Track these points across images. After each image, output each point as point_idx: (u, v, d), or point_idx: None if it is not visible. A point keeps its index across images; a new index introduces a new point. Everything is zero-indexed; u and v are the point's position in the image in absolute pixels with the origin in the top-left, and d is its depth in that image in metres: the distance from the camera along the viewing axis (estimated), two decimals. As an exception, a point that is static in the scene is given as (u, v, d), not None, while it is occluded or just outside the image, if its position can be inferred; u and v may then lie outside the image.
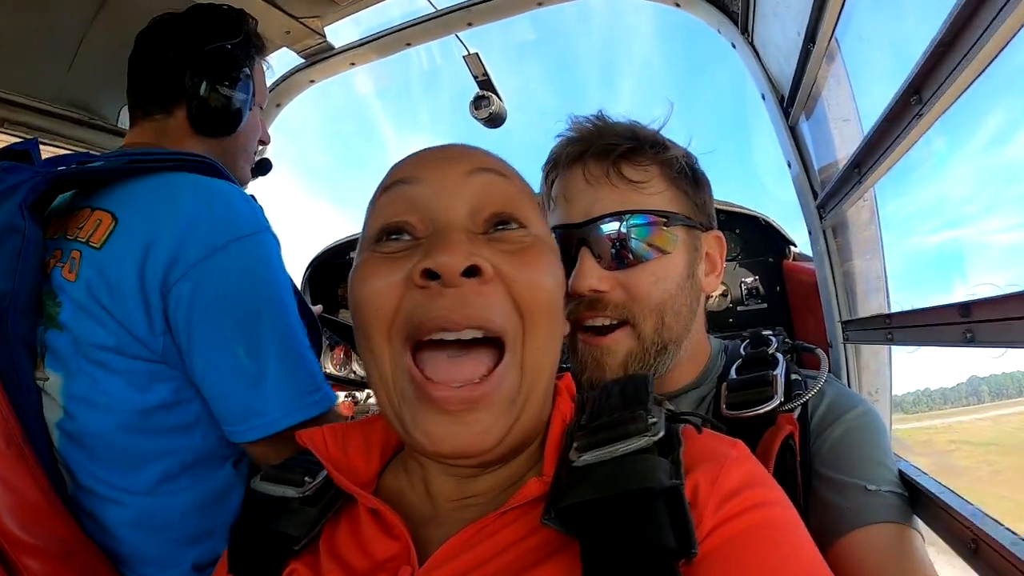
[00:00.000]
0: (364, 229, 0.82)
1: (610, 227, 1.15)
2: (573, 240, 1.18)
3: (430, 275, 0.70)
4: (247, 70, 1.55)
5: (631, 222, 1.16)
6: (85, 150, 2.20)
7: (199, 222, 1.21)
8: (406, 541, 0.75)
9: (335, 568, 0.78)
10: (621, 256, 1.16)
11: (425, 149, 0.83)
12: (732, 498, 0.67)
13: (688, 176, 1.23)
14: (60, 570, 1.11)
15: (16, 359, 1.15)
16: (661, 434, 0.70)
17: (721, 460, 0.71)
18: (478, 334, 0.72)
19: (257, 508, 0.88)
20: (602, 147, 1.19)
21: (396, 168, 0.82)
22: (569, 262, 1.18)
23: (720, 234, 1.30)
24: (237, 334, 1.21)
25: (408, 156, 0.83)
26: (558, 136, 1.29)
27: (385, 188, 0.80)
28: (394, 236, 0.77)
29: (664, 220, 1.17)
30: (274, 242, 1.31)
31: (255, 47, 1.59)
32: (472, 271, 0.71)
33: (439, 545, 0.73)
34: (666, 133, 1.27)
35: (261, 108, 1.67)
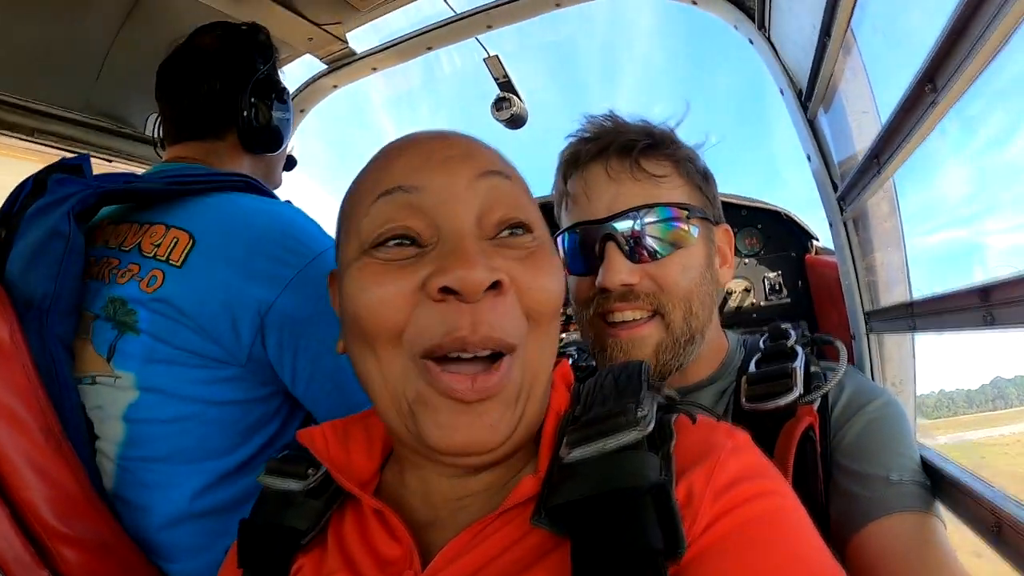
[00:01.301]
0: (353, 230, 0.77)
1: (635, 221, 1.18)
2: (598, 235, 1.20)
3: (449, 291, 0.68)
4: (286, 89, 1.65)
5: (655, 215, 1.18)
6: (113, 158, 2.27)
7: (280, 246, 1.28)
8: (408, 545, 0.74)
9: (342, 567, 0.78)
10: (647, 249, 1.18)
11: (421, 143, 0.78)
12: (728, 491, 0.66)
13: (699, 172, 1.27)
14: (96, 561, 1.14)
15: (55, 356, 1.20)
16: (651, 428, 0.69)
17: (716, 452, 0.70)
18: (489, 351, 0.70)
19: (263, 502, 0.89)
20: (623, 143, 1.21)
21: (391, 165, 0.77)
22: (592, 257, 1.21)
23: (728, 227, 1.33)
24: (334, 339, 1.28)
25: (403, 149, 0.78)
26: (570, 136, 1.31)
27: (383, 193, 0.74)
28: (394, 241, 0.73)
29: (686, 213, 1.20)
30: None
31: (278, 60, 1.68)
32: (492, 285, 0.69)
33: (440, 548, 0.73)
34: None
35: None
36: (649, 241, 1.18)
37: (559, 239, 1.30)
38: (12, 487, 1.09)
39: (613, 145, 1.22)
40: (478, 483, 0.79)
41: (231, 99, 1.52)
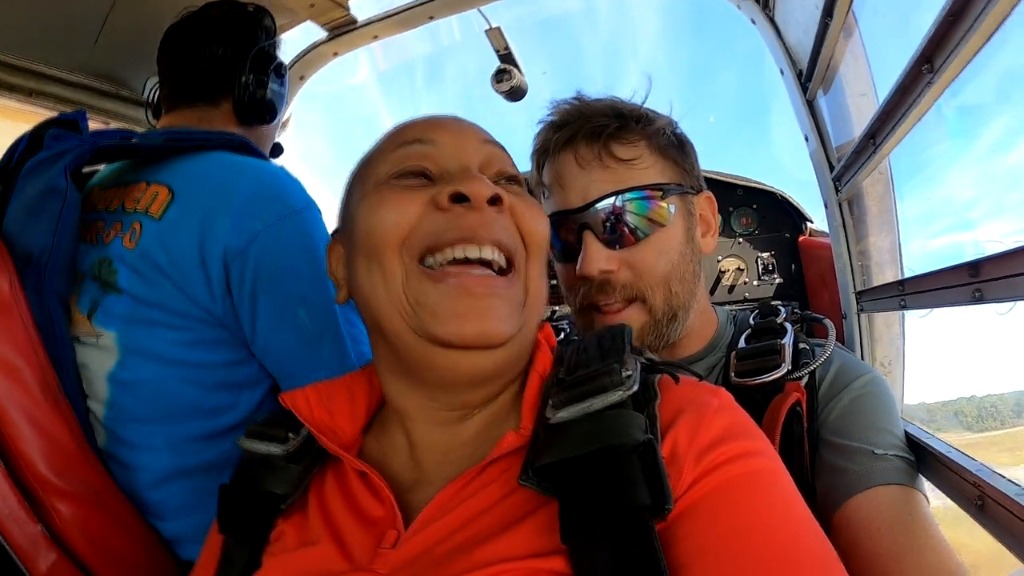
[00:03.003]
0: (370, 177, 0.86)
1: (609, 207, 1.17)
2: (575, 225, 1.21)
3: (458, 199, 0.77)
4: (284, 66, 1.69)
5: (629, 200, 1.18)
6: (111, 121, 2.26)
7: (255, 198, 1.28)
8: (391, 505, 0.76)
9: (324, 531, 0.79)
10: (624, 234, 1.18)
11: (435, 116, 0.90)
12: (713, 450, 0.68)
13: (675, 144, 1.25)
14: (89, 515, 1.16)
15: (52, 313, 1.21)
16: (636, 387, 0.72)
17: (702, 411, 0.72)
18: (495, 251, 0.77)
19: (244, 466, 0.89)
20: (590, 129, 1.20)
21: (410, 128, 0.88)
22: (571, 248, 1.22)
23: (711, 194, 1.32)
24: (299, 298, 1.30)
25: (419, 119, 0.90)
26: (540, 122, 1.30)
27: (401, 143, 0.85)
28: (410, 174, 0.83)
29: (660, 193, 1.19)
30: (320, 215, 1.39)
31: (278, 44, 1.72)
32: (494, 200, 0.79)
33: (424, 505, 0.75)
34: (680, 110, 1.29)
35: None
36: (626, 225, 1.18)
37: None
38: (8, 439, 1.10)
39: (581, 132, 1.21)
40: (466, 432, 0.83)
41: (231, 66, 1.54)
